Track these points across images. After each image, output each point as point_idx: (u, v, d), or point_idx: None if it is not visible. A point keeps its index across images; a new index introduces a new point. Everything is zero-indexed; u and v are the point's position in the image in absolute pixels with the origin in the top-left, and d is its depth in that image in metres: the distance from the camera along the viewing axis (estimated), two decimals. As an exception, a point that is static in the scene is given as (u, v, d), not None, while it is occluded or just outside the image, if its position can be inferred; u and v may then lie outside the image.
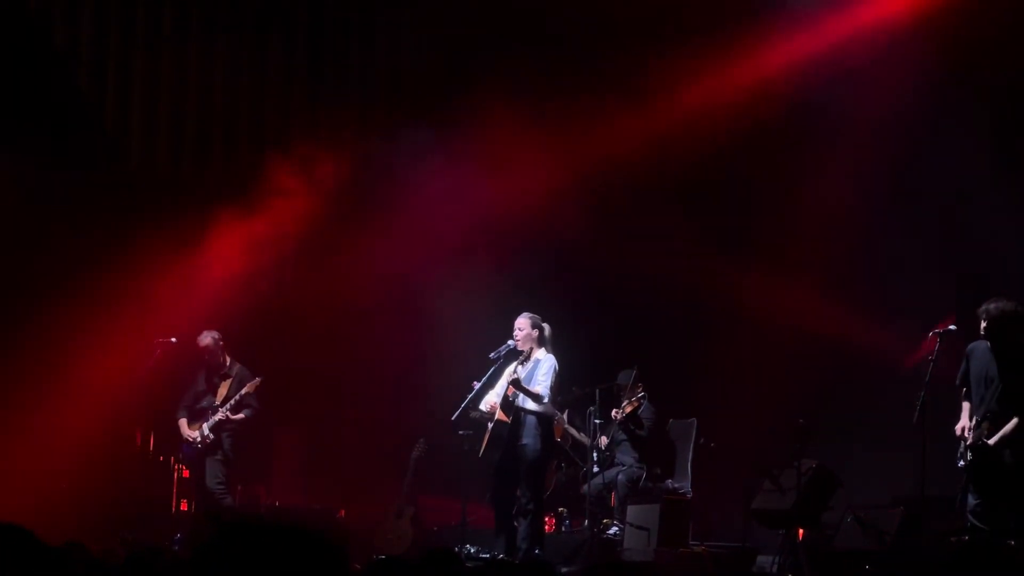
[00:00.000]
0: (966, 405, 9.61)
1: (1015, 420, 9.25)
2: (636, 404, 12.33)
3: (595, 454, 12.08)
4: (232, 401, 11.88)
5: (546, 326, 10.82)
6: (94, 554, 5.79)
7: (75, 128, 13.52)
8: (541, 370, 10.62)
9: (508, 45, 14.10)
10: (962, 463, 9.49)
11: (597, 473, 12.03)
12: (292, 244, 14.75)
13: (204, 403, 12.06)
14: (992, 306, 9.46)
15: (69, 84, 13.72)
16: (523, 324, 10.77)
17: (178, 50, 14.13)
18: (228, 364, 12.18)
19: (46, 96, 13.33)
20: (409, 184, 14.68)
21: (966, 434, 9.45)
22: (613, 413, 12.27)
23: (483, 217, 13.97)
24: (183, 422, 12.05)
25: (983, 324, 9.46)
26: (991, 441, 9.27)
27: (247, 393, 11.88)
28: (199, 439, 11.86)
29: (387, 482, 13.31)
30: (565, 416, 12.65)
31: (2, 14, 13.20)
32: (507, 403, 10.59)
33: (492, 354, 10.72)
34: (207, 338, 12.09)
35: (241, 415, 11.92)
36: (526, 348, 10.71)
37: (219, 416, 11.85)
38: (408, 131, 14.76)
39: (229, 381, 12.05)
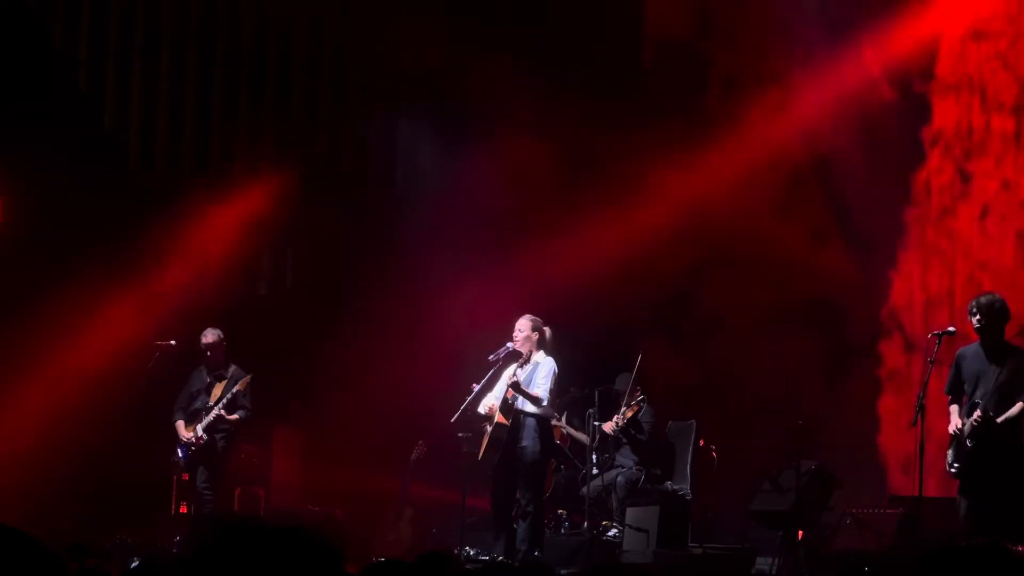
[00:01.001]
0: (954, 408, 9.61)
1: (1021, 404, 9.28)
2: (636, 408, 12.31)
3: (594, 456, 12.07)
4: (225, 400, 11.76)
5: (547, 329, 10.80)
6: (92, 559, 5.78)
7: (74, 128, 13.51)
8: (540, 373, 10.60)
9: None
10: (953, 470, 9.49)
11: (596, 475, 12.02)
12: (291, 246, 14.77)
13: (198, 404, 11.96)
14: (983, 299, 9.53)
15: (69, 84, 13.71)
16: (523, 326, 10.75)
17: (177, 50, 14.14)
18: (226, 363, 12.08)
19: (45, 96, 13.33)
20: (409, 177, 14.70)
21: (961, 425, 9.43)
22: (615, 419, 12.22)
23: (485, 212, 13.96)
24: (180, 424, 11.95)
25: (978, 318, 9.46)
26: (999, 420, 9.26)
27: (238, 392, 11.77)
28: (194, 440, 11.77)
29: (386, 484, 13.31)
30: (564, 418, 12.62)
31: (1, 14, 13.19)
32: (506, 406, 10.58)
33: (491, 356, 10.71)
34: (211, 335, 11.97)
35: (235, 416, 11.81)
36: (525, 350, 10.69)
37: (212, 416, 11.75)
38: (407, 122, 14.78)
39: (225, 382, 11.94)
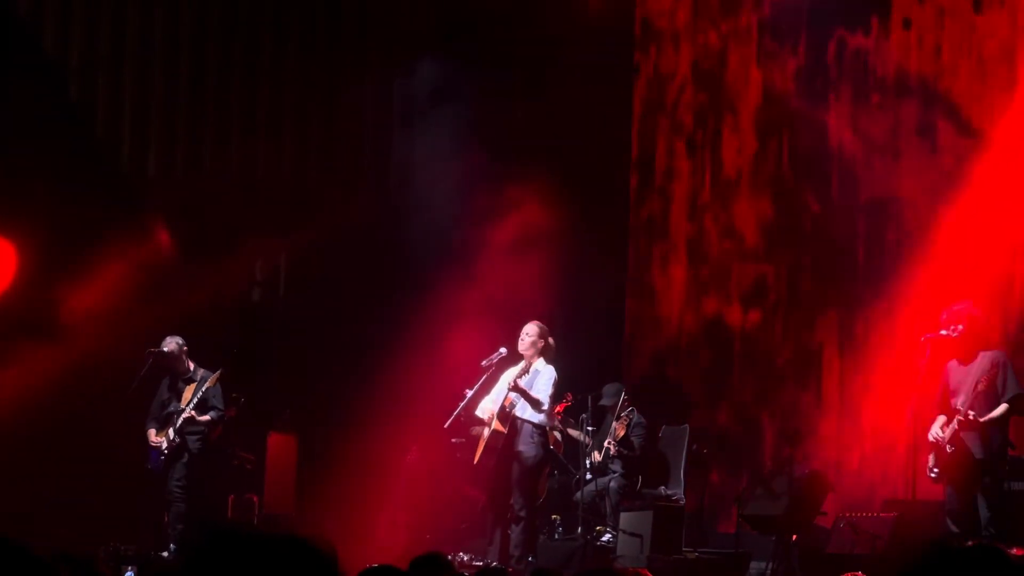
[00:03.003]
0: (939, 419, 9.70)
1: (1005, 405, 9.39)
2: (626, 421, 12.27)
3: (588, 461, 12.05)
4: (195, 400, 11.77)
5: (551, 339, 10.81)
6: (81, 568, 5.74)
7: (65, 135, 13.49)
8: (541, 380, 10.62)
9: None
10: (933, 475, 9.60)
11: (590, 480, 12.01)
12: (284, 252, 14.76)
13: (171, 408, 11.98)
14: (958, 307, 9.62)
15: (60, 90, 13.70)
16: (532, 331, 10.77)
17: (169, 56, 14.13)
18: (192, 369, 12.09)
19: (36, 103, 13.31)
20: (406, 181, 14.68)
21: (937, 435, 9.52)
22: (607, 443, 12.17)
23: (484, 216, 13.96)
24: (151, 431, 11.97)
25: (954, 326, 9.54)
26: (983, 419, 9.35)
27: (208, 388, 11.79)
28: (165, 444, 11.80)
29: (380, 489, 13.30)
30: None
31: (-8, 20, 13.19)
32: (504, 414, 10.58)
33: (484, 362, 10.71)
34: (171, 344, 12.01)
35: (206, 417, 11.84)
36: (529, 355, 10.69)
37: (184, 417, 11.76)
38: (404, 127, 14.77)
39: (193, 385, 11.97)
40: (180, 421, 11.79)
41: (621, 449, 12.18)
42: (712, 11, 13.79)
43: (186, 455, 11.86)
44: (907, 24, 12.40)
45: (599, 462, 12.14)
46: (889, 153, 12.48)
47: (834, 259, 12.82)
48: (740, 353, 13.39)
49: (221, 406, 11.91)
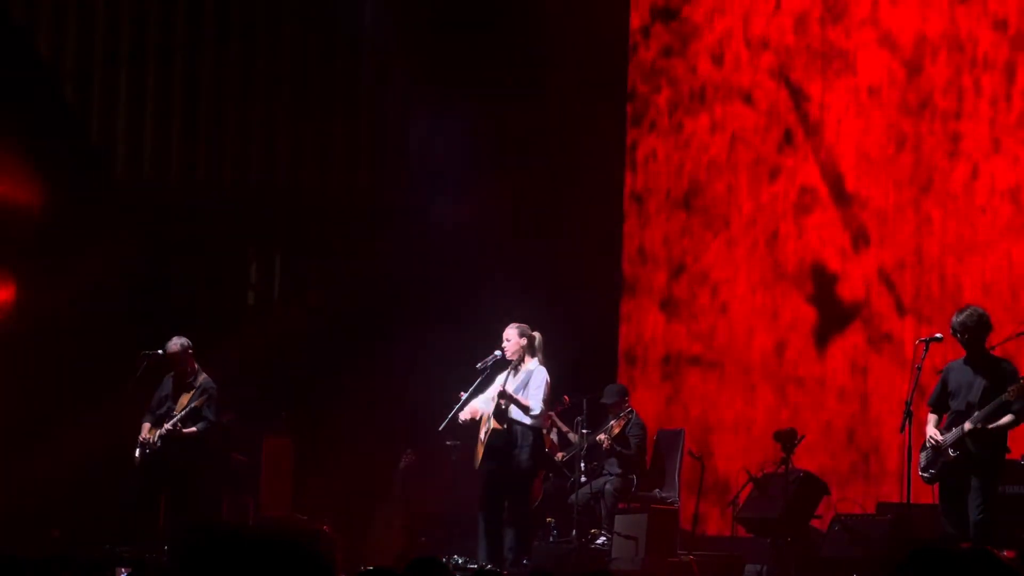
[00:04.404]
0: (932, 418, 9.68)
1: (1010, 416, 9.35)
2: (623, 421, 12.27)
3: (582, 464, 12.05)
4: (185, 412, 11.66)
5: (536, 335, 10.79)
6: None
7: (60, 139, 13.51)
8: (534, 383, 10.60)
9: None
10: (926, 475, 9.59)
11: (585, 483, 12.01)
12: (279, 255, 14.79)
13: (164, 409, 11.91)
14: (963, 316, 9.57)
15: (54, 94, 13.72)
16: (511, 334, 10.74)
17: (163, 60, 14.15)
18: (196, 371, 11.99)
19: (31, 105, 13.34)
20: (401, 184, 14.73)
21: (938, 437, 9.51)
22: (600, 437, 12.17)
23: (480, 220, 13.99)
24: (146, 425, 11.84)
25: (960, 335, 9.52)
26: (990, 427, 9.34)
27: (195, 407, 11.66)
28: (150, 441, 11.68)
29: (375, 493, 13.32)
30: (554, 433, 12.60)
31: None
32: (499, 412, 10.58)
33: (479, 364, 10.71)
34: (176, 345, 11.91)
35: (194, 428, 11.69)
36: (516, 358, 10.69)
37: (169, 425, 11.67)
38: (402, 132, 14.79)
39: (192, 392, 11.85)
40: (166, 428, 11.66)
41: (615, 446, 12.16)
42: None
43: (180, 465, 11.75)
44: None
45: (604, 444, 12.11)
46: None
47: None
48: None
49: (213, 416, 11.75)
